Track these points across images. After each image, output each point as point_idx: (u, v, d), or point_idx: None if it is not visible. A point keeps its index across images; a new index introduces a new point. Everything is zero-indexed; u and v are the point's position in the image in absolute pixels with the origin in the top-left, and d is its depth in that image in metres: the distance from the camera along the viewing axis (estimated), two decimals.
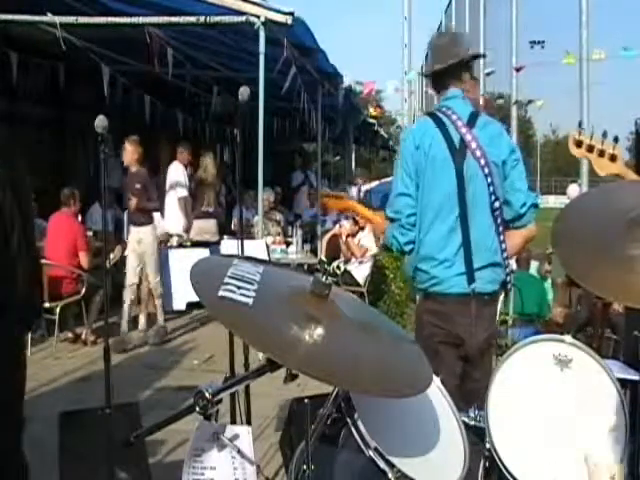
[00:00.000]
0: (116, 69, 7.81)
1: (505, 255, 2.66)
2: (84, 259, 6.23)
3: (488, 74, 7.11)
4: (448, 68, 2.71)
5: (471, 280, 2.58)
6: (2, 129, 1.46)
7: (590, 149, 2.17)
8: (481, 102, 3.89)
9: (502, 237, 2.65)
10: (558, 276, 6.58)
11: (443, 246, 2.61)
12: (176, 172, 7.97)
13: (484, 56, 3.15)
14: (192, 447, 1.44)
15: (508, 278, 2.70)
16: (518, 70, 6.37)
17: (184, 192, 7.86)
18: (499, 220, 2.64)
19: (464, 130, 2.63)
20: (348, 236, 7.48)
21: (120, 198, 7.55)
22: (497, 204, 2.62)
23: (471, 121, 2.67)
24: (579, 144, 2.19)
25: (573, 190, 8.00)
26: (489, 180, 2.60)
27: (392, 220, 2.73)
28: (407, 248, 2.72)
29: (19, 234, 1.40)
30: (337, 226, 8.26)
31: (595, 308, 5.17)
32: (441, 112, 2.71)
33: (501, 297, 2.81)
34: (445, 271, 2.60)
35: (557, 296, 6.50)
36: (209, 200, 8.03)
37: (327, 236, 8.28)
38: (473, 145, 2.61)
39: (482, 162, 2.60)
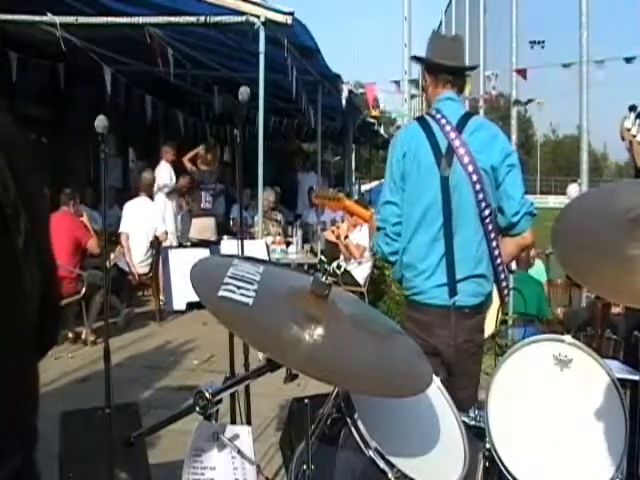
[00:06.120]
0: (116, 69, 7.81)
1: (498, 262, 2.58)
2: (92, 246, 6.26)
3: (489, 77, 7.11)
4: (457, 68, 2.67)
5: (453, 293, 2.51)
6: (4, 117, 1.23)
7: (634, 136, 2.20)
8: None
9: (494, 244, 2.56)
10: (558, 276, 6.58)
11: (425, 256, 2.56)
12: (165, 172, 7.93)
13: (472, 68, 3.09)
14: (192, 447, 1.43)
15: (504, 284, 2.64)
16: (520, 72, 6.37)
17: (171, 193, 7.91)
18: (490, 228, 2.55)
19: (453, 135, 2.53)
20: (347, 237, 7.46)
21: (121, 197, 7.55)
22: (487, 212, 2.52)
23: (461, 125, 2.56)
24: (629, 128, 2.23)
25: (573, 190, 7.97)
26: (477, 187, 2.50)
27: (379, 228, 2.68)
28: (392, 258, 2.67)
29: (26, 237, 1.13)
30: (334, 227, 8.23)
31: (595, 308, 5.16)
32: (430, 116, 2.63)
33: (496, 305, 2.68)
34: (426, 282, 2.55)
35: (556, 296, 6.50)
36: (206, 197, 7.98)
37: (327, 234, 8.24)
38: (461, 151, 2.51)
39: (470, 169, 2.50)
